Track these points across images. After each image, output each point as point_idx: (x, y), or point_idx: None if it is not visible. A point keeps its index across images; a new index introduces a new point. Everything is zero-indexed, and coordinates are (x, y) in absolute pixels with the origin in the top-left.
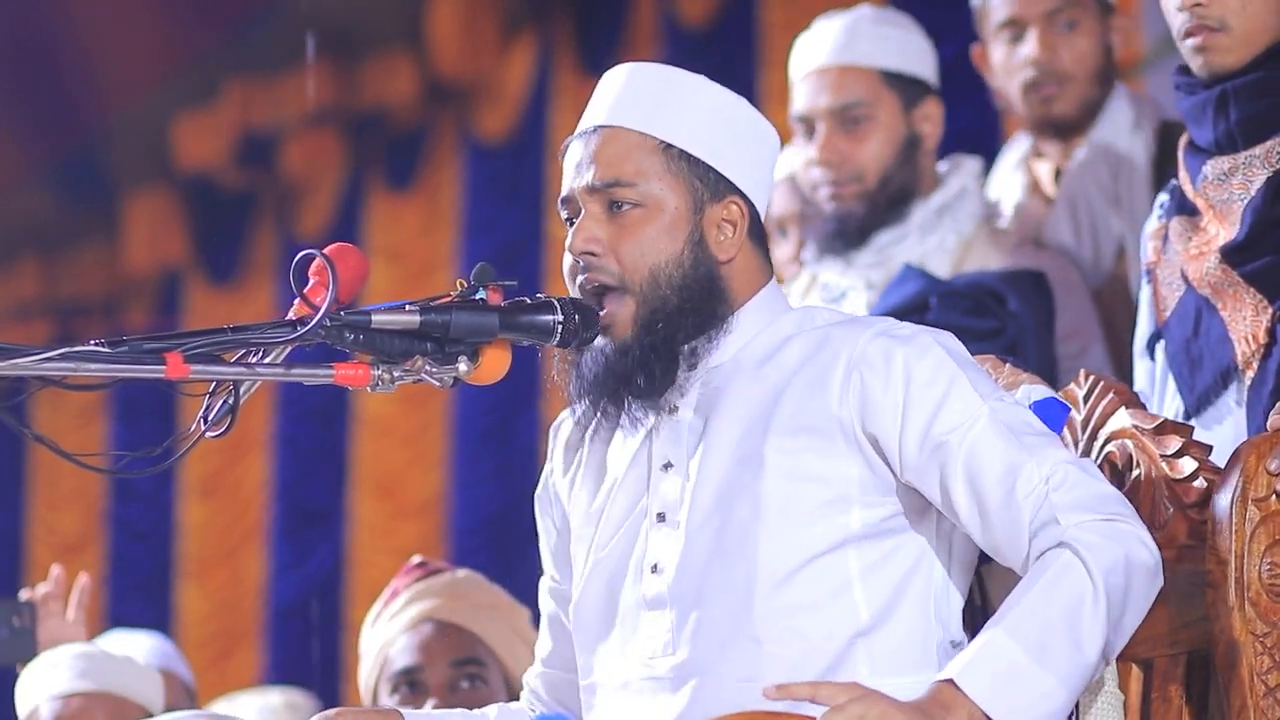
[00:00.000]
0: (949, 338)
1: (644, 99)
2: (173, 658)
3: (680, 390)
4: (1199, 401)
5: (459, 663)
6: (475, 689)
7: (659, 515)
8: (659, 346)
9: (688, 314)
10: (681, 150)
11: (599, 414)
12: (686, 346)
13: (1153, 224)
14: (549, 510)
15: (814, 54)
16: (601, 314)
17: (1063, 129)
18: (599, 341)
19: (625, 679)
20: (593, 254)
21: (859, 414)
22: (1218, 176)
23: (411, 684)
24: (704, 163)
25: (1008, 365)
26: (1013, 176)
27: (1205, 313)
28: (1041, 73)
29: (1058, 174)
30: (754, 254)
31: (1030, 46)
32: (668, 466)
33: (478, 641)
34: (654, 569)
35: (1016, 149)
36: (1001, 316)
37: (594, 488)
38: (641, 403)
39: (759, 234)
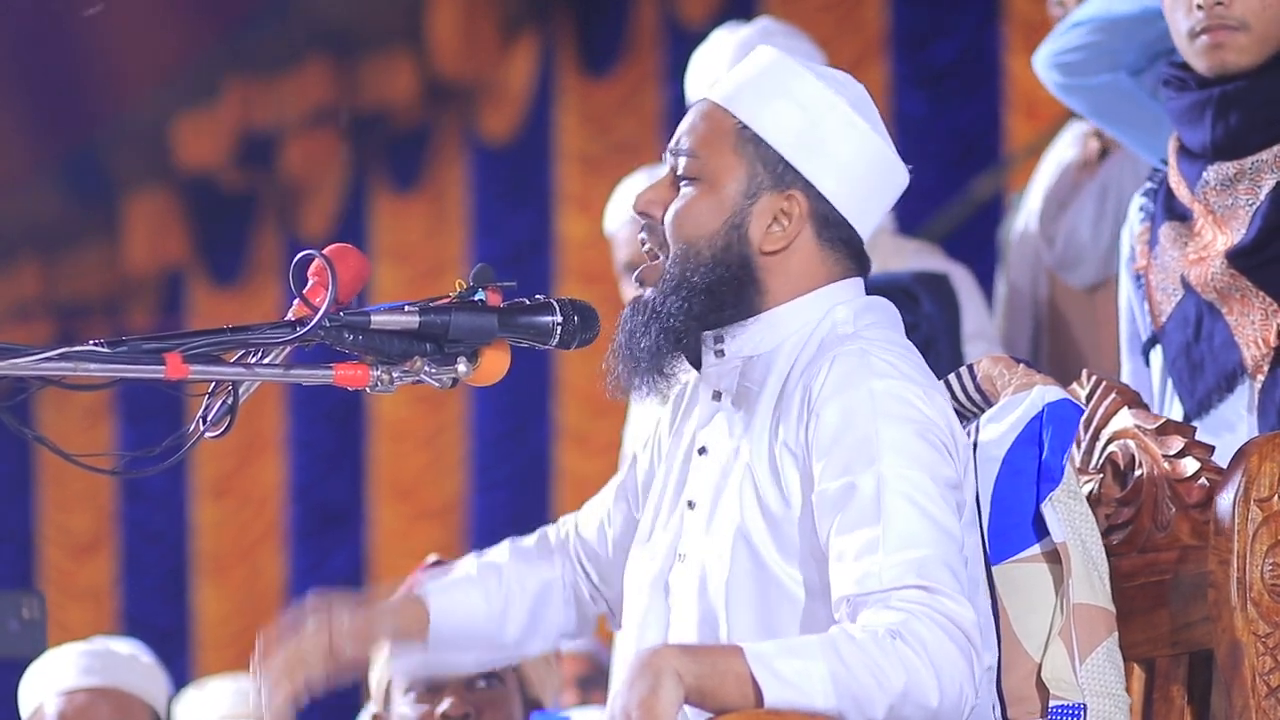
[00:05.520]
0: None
1: (746, 79)
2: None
3: (719, 376)
4: (1199, 406)
5: None
6: (492, 687)
7: (689, 502)
8: (677, 313)
9: (711, 293)
10: (755, 134)
11: (631, 370)
12: (711, 332)
13: (1136, 227)
14: (647, 448)
15: None
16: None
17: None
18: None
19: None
20: (650, 215)
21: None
22: (1221, 182)
23: (428, 684)
24: (774, 150)
25: (1021, 366)
26: (1071, 135)
27: (1208, 317)
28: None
29: (1103, 154)
30: (818, 253)
31: None
32: (702, 451)
33: None
34: (681, 558)
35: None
36: (915, 313)
37: (660, 458)
38: (656, 363)
39: (835, 236)
